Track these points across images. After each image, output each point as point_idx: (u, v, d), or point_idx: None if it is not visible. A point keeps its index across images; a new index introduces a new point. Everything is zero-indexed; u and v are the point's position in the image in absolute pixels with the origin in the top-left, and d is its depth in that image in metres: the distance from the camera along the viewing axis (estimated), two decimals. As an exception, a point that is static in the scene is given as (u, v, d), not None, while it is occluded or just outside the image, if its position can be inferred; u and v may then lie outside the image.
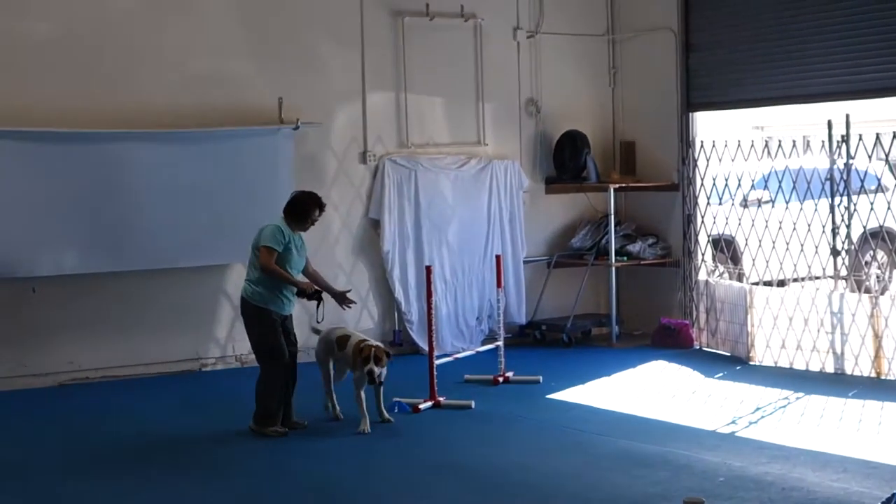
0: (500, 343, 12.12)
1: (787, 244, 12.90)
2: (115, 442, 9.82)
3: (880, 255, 15.59)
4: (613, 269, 14.40)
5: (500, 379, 11.96)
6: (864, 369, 11.98)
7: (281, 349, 9.98)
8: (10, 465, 9.08)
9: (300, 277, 10.13)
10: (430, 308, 11.22)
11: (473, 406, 10.80)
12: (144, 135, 12.38)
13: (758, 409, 10.64)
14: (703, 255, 14.23)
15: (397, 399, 10.76)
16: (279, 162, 13.06)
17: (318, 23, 13.60)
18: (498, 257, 12.65)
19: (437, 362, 11.04)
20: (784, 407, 10.73)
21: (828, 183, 12.55)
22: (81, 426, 10.41)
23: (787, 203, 12.90)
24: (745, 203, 13.70)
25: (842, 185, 12.45)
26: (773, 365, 12.70)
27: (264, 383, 9.99)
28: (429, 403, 10.80)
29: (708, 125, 14.64)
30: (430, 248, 14.01)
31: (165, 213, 12.37)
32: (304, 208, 10.09)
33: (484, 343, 13.63)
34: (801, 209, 12.77)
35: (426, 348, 11.75)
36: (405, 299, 13.88)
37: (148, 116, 12.48)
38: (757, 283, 13.34)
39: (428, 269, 11.45)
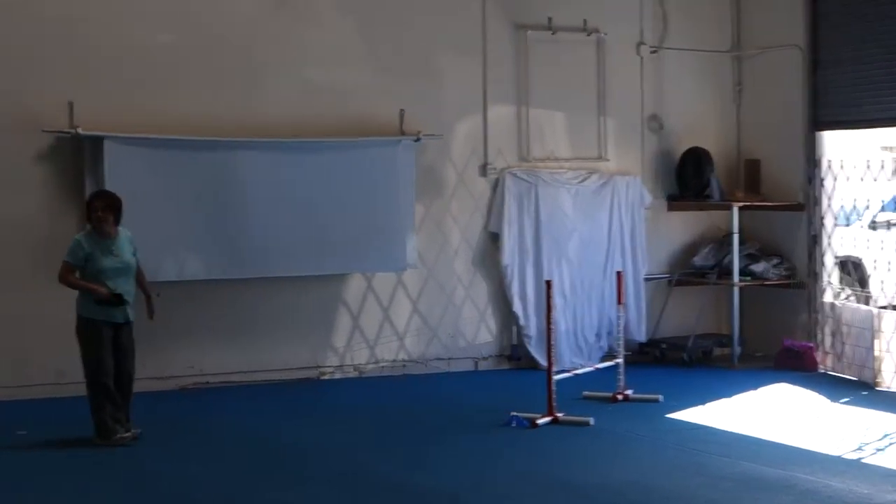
0: (620, 360, 11.97)
1: (917, 267, 12.59)
2: (233, 447, 9.88)
3: None
4: (736, 288, 14.15)
5: (619, 396, 11.81)
6: None
7: (101, 368, 9.81)
8: (131, 461, 9.20)
9: (120, 282, 9.92)
10: (549, 323, 11.11)
11: (592, 423, 10.68)
12: (267, 144, 12.52)
13: (885, 435, 10.34)
14: (828, 276, 13.92)
15: (514, 413, 10.68)
16: (400, 173, 13.10)
17: (440, 35, 13.62)
18: (619, 273, 12.49)
19: (555, 378, 10.93)
20: (913, 434, 10.44)
21: (960, 205, 12.26)
22: (202, 430, 10.51)
23: (917, 225, 12.60)
24: (873, 225, 13.40)
25: (974, 207, 12.14)
26: (900, 391, 12.39)
27: (91, 400, 9.84)
28: (547, 419, 10.69)
29: (835, 144, 14.29)
30: (549, 262, 13.92)
31: (287, 222, 12.48)
32: (87, 211, 10.08)
33: (603, 360, 13.47)
34: (933, 232, 12.45)
35: (544, 363, 11.66)
36: (523, 314, 13.80)
37: (270, 126, 12.62)
38: (885, 307, 13.00)
39: (548, 283, 11.34)
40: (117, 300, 9.81)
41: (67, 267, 9.83)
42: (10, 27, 11.81)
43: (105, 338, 9.82)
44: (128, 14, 12.25)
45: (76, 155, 11.87)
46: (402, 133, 13.22)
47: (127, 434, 9.82)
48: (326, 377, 13.09)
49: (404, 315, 13.50)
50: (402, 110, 13.24)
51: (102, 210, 9.85)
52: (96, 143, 11.75)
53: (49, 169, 11.88)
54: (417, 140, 13.19)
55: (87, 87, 11.93)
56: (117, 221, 9.93)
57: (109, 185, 11.41)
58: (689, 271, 14.76)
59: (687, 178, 14.63)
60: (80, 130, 11.67)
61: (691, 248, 14.93)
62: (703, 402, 11.80)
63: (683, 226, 15.03)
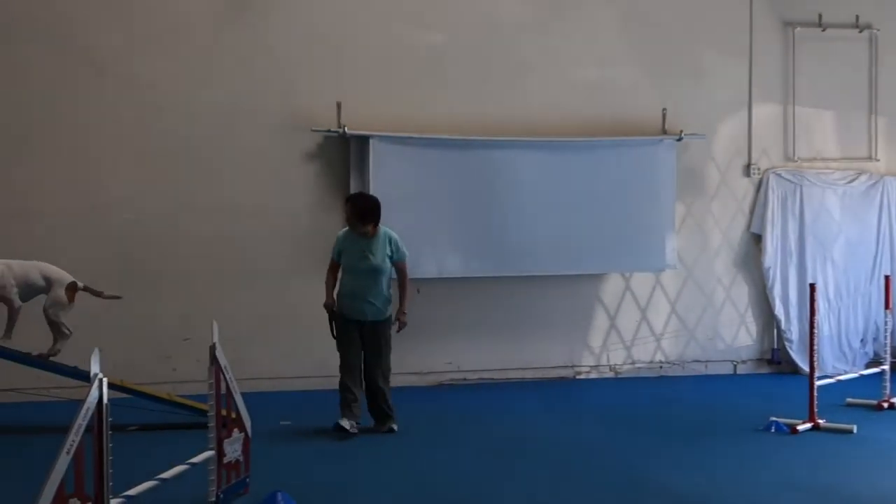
0: (886, 367, 11.57)
1: None
2: (490, 442, 9.98)
3: None
4: None
5: (885, 404, 11.40)
6: None
7: (342, 354, 10.02)
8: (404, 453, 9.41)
9: (363, 282, 9.96)
10: (812, 327, 10.82)
11: (855, 431, 10.35)
12: (528, 143, 12.60)
13: None
14: None
15: (774, 418, 10.45)
16: (661, 173, 13.00)
17: (705, 34, 13.47)
18: (887, 278, 12.06)
19: (817, 383, 10.63)
20: None
21: None
22: (461, 424, 10.66)
23: None
24: None
25: None
26: None
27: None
28: (808, 425, 10.42)
29: None
30: (813, 265, 13.61)
31: (546, 221, 12.55)
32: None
33: (867, 366, 13.07)
34: None
35: (806, 368, 11.39)
36: (785, 317, 13.52)
37: (532, 124, 12.71)
38: None
39: (812, 286, 11.05)
40: (328, 311, 10.07)
41: (330, 262, 10.17)
42: (284, 31, 12.26)
43: (349, 334, 10.05)
44: (393, 15, 12.57)
45: (343, 153, 12.23)
46: (664, 132, 13.13)
47: (352, 431, 9.92)
48: (582, 377, 13.13)
49: (662, 316, 13.42)
50: (664, 109, 13.14)
51: (351, 216, 10.05)
52: (362, 141, 12.09)
53: (317, 166, 12.28)
54: (679, 139, 13.06)
55: (355, 87, 12.29)
56: (370, 223, 10.01)
57: (374, 183, 11.76)
58: (965, 276, 14.15)
59: (963, 180, 14.08)
60: (346, 130, 12.02)
61: (968, 253, 14.33)
62: (976, 413, 11.30)
63: (960, 229, 14.42)
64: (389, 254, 10.06)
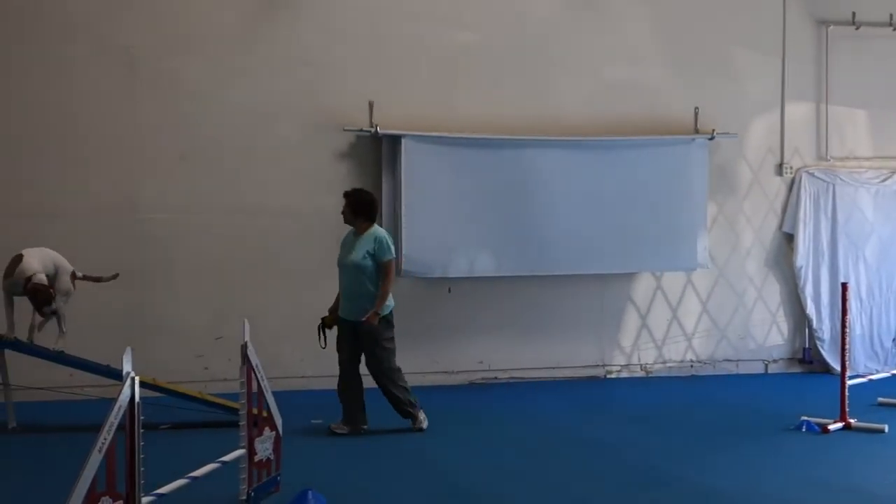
0: (918, 367, 11.55)
1: None
2: (517, 440, 9.99)
3: None
4: None
5: (917, 404, 11.39)
6: None
7: (339, 352, 10.09)
8: (425, 454, 9.44)
9: (344, 279, 10.00)
10: (844, 327, 10.79)
11: (887, 430, 10.30)
12: (560, 142, 12.59)
13: None
14: None
15: (805, 418, 10.42)
16: (693, 172, 12.97)
17: (737, 32, 13.43)
18: (920, 277, 12.07)
19: (849, 383, 10.59)
20: None
21: None
22: (489, 423, 10.68)
23: None
24: None
25: None
26: None
27: None
28: (839, 425, 10.39)
29: None
30: (845, 264, 13.57)
31: (577, 220, 12.54)
32: None
33: (900, 366, 13.04)
34: None
35: (838, 368, 11.35)
36: (817, 316, 13.48)
37: (563, 124, 12.70)
38: None
39: (844, 286, 11.01)
40: (322, 324, 10.26)
41: None
42: (316, 30, 12.29)
43: (341, 334, 10.12)
44: (425, 15, 12.57)
45: (375, 153, 12.25)
46: (696, 131, 13.11)
47: (338, 431, 10.05)
48: (613, 376, 13.12)
49: (693, 315, 13.39)
50: (696, 108, 13.12)
51: (344, 208, 10.05)
52: (394, 141, 12.12)
53: (349, 166, 12.29)
54: (711, 138, 13.03)
55: (387, 86, 12.32)
56: (360, 217, 9.98)
57: (406, 183, 11.81)
58: None
59: None
60: (378, 129, 12.06)
61: None
62: None
63: None
64: (371, 252, 9.87)
